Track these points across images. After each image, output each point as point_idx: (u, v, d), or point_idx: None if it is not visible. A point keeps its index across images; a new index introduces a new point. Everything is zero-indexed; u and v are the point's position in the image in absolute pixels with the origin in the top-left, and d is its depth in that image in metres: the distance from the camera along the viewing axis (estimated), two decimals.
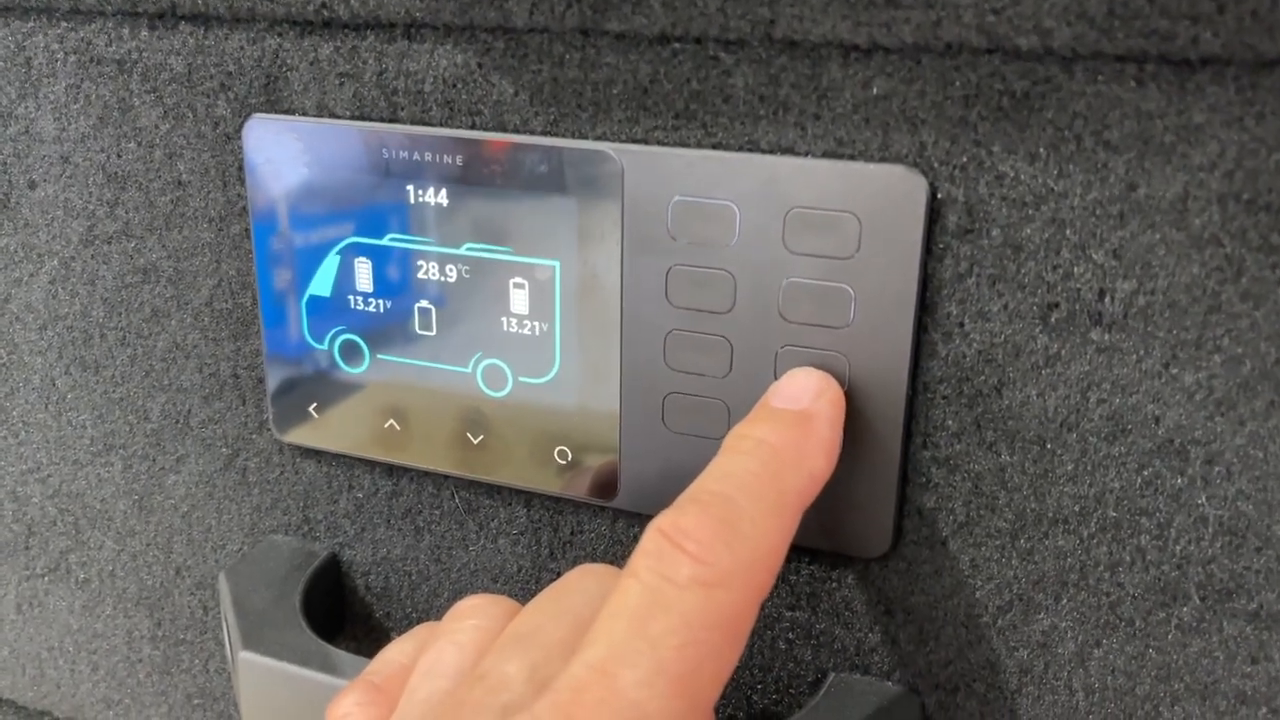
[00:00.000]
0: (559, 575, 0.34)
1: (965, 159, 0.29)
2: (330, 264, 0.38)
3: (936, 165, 0.30)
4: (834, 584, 0.35)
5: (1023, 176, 0.29)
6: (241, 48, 0.37)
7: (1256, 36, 0.25)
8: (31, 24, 0.40)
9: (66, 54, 0.40)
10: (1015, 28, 0.27)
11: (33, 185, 0.42)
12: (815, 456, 0.29)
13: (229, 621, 0.40)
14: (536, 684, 0.25)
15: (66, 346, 0.44)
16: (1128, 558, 0.31)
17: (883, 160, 0.30)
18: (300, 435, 0.41)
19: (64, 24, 0.39)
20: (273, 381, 0.40)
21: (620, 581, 0.26)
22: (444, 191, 0.35)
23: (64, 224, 0.42)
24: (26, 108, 0.41)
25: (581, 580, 0.29)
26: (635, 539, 0.37)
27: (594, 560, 0.38)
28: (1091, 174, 0.28)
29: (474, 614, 0.31)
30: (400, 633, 0.43)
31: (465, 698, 0.26)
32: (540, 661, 0.26)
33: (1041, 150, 0.28)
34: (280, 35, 0.36)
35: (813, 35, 0.29)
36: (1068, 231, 0.29)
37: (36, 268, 0.43)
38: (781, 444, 0.29)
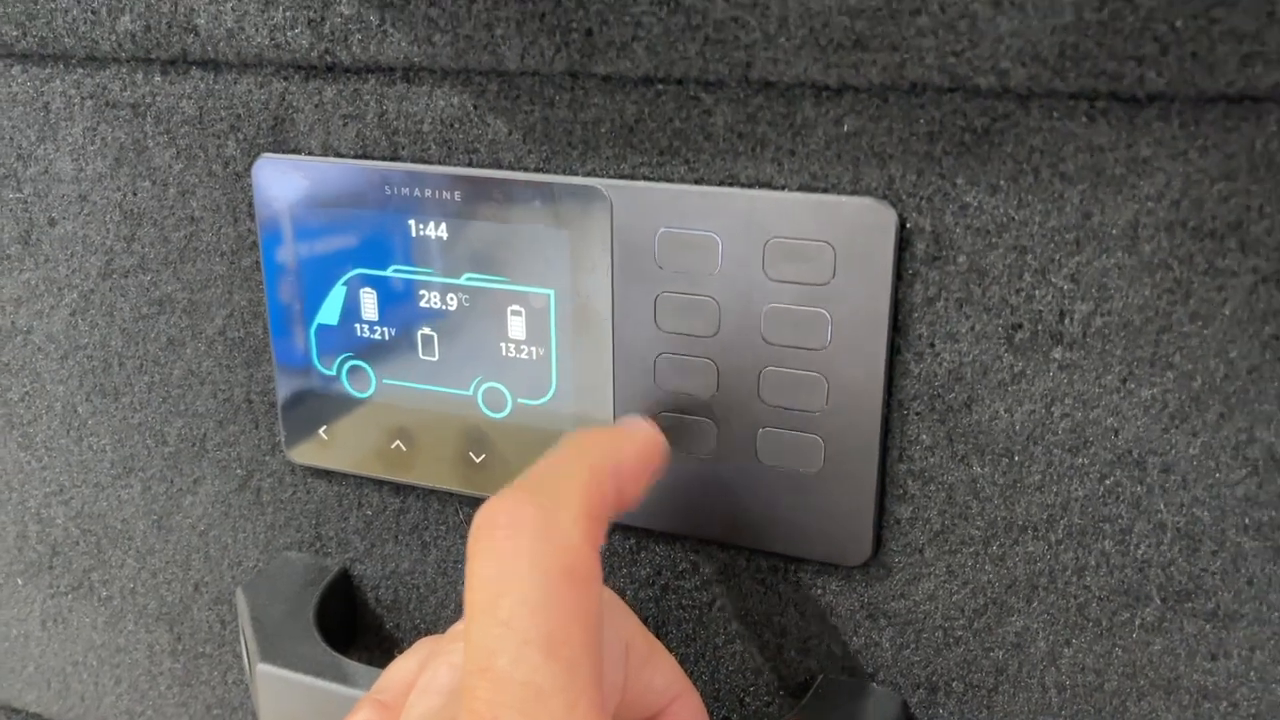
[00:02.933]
0: None
1: (931, 191, 0.31)
2: (337, 294, 0.40)
3: (905, 197, 0.31)
4: (819, 591, 0.36)
5: (985, 206, 0.31)
6: (250, 91, 0.39)
7: (1197, 75, 0.27)
8: (49, 70, 0.42)
9: (83, 98, 0.42)
10: (974, 68, 0.29)
11: (53, 222, 0.44)
12: None
13: (247, 635, 0.41)
14: None
15: (87, 375, 0.46)
16: (1093, 562, 0.32)
17: (854, 193, 0.32)
18: (311, 456, 0.43)
19: (80, 70, 0.41)
20: (284, 405, 0.42)
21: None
22: (444, 225, 0.37)
23: (83, 259, 0.44)
24: (46, 149, 0.43)
25: None
26: (632, 552, 0.39)
27: None
28: (1049, 203, 0.30)
29: None
30: (410, 642, 0.44)
31: (452, 714, 0.28)
32: None
33: (1002, 182, 0.30)
34: (286, 79, 0.38)
35: (787, 76, 0.31)
36: (1028, 257, 0.31)
37: (57, 300, 0.46)
38: None
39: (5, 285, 0.46)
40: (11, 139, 0.43)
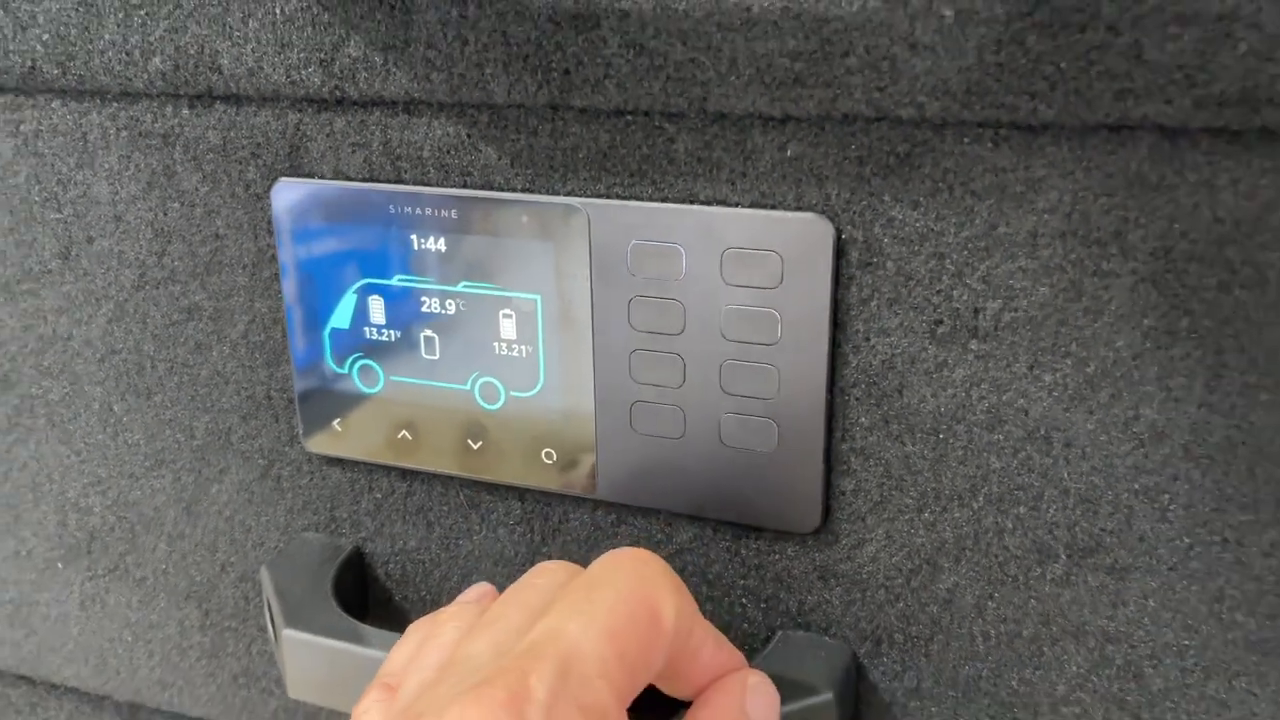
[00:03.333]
0: (550, 558, 0.40)
1: (863, 206, 0.36)
2: (348, 301, 0.44)
3: (840, 212, 0.36)
4: (776, 556, 0.41)
5: (908, 219, 0.35)
6: (268, 122, 0.43)
7: (1080, 108, 0.32)
8: (87, 104, 0.46)
9: (118, 130, 0.46)
10: (896, 102, 0.34)
11: (90, 240, 0.49)
12: None
13: (272, 607, 0.45)
14: (497, 655, 0.31)
15: (122, 376, 0.51)
16: (1010, 525, 0.37)
17: (797, 209, 0.37)
18: (326, 446, 0.47)
19: (115, 104, 0.46)
20: (301, 401, 0.47)
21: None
22: (442, 240, 0.42)
23: (118, 272, 0.49)
24: (84, 175, 0.48)
25: (538, 577, 0.35)
26: (613, 525, 0.44)
27: (579, 544, 0.45)
28: (962, 216, 0.35)
29: (454, 618, 0.36)
30: (417, 612, 0.49)
31: (442, 678, 0.31)
32: (502, 640, 0.31)
33: (922, 198, 0.35)
34: (301, 112, 0.43)
35: (738, 108, 0.36)
36: (946, 262, 0.35)
37: (95, 310, 0.50)
38: None
39: (47, 297, 0.51)
40: (53, 166, 0.48)
